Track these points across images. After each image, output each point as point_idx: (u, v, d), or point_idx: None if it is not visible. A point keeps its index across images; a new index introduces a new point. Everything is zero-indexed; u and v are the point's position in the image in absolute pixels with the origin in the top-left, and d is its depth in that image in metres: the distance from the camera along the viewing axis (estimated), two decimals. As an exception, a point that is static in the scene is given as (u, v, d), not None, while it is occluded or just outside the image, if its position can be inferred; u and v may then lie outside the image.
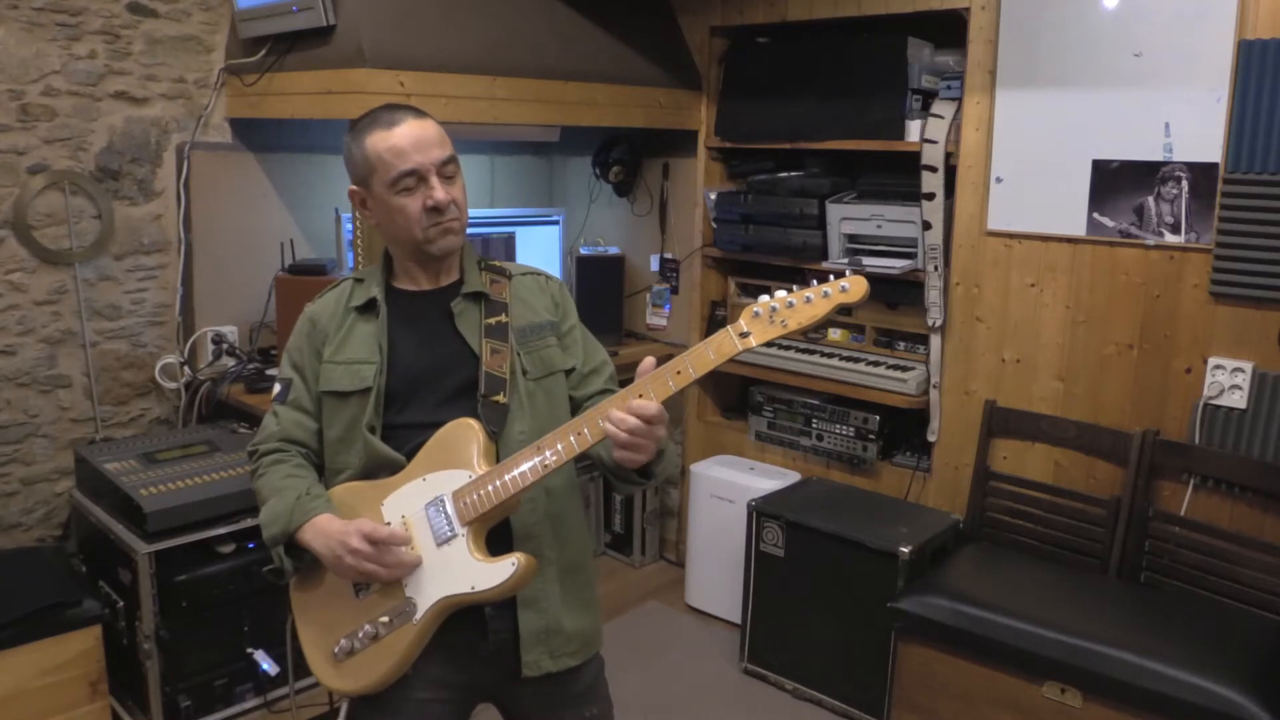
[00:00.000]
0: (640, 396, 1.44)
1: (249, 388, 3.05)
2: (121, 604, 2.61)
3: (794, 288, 1.42)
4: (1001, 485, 2.99)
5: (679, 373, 1.43)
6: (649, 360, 1.47)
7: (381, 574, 1.53)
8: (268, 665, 2.71)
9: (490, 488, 1.52)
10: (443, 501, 1.55)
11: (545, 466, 1.50)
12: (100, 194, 2.98)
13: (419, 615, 1.54)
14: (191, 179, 3.12)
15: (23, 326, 2.89)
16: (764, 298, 1.42)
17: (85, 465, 2.83)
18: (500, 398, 1.60)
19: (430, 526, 1.56)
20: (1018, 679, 2.44)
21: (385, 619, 1.56)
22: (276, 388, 1.74)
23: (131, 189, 3.05)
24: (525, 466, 1.51)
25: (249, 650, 2.71)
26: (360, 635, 1.58)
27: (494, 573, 1.51)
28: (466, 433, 1.57)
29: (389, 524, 1.57)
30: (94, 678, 2.53)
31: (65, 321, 2.96)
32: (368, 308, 1.68)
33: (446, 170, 1.60)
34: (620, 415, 1.43)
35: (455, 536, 1.54)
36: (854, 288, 1.38)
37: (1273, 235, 2.46)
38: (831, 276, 1.40)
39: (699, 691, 3.08)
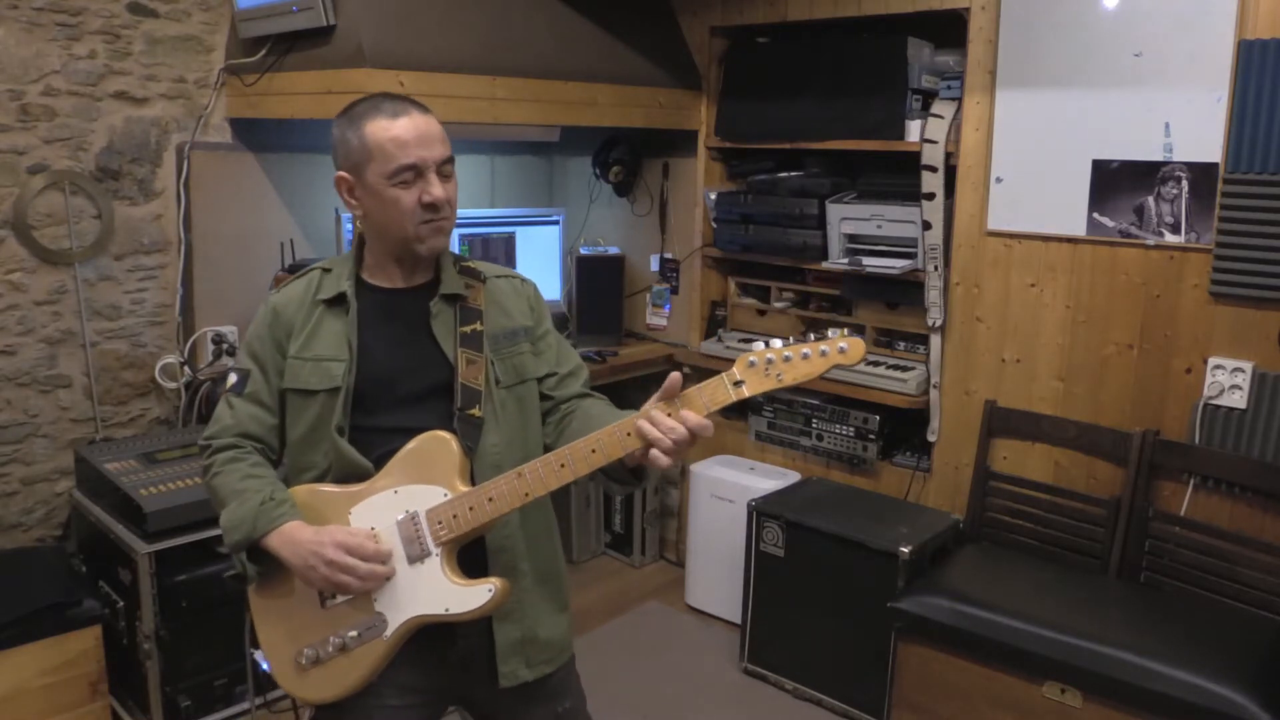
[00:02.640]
0: (629, 435, 1.44)
1: (249, 388, 3.04)
2: (121, 604, 2.61)
3: (791, 339, 1.43)
4: (1001, 485, 2.99)
5: (670, 415, 1.43)
6: (676, 376, 1.44)
7: (355, 586, 1.50)
8: (268, 665, 2.71)
9: (467, 509, 1.49)
10: (416, 518, 1.52)
11: (525, 496, 1.48)
12: (100, 194, 2.98)
13: (389, 632, 1.53)
14: (191, 179, 3.12)
15: (23, 326, 2.89)
16: (759, 346, 1.42)
17: (85, 465, 2.83)
18: (476, 411, 1.57)
19: (401, 542, 1.53)
20: (1018, 679, 2.44)
21: (354, 633, 1.54)
22: (232, 378, 1.67)
23: (131, 189, 3.05)
24: (507, 496, 1.48)
25: (249, 650, 2.71)
26: (329, 646, 1.56)
27: (469, 597, 1.50)
28: (442, 447, 1.53)
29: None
30: (94, 678, 2.53)
31: (65, 321, 2.96)
32: (336, 302, 1.62)
33: (445, 169, 1.57)
34: (670, 424, 1.41)
35: (429, 555, 1.52)
36: (852, 351, 1.41)
37: (1273, 235, 2.46)
38: (830, 333, 1.42)
39: (699, 691, 3.07)
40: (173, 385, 3.19)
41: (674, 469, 1.50)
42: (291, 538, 1.52)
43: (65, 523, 3.02)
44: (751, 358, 1.42)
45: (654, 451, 1.42)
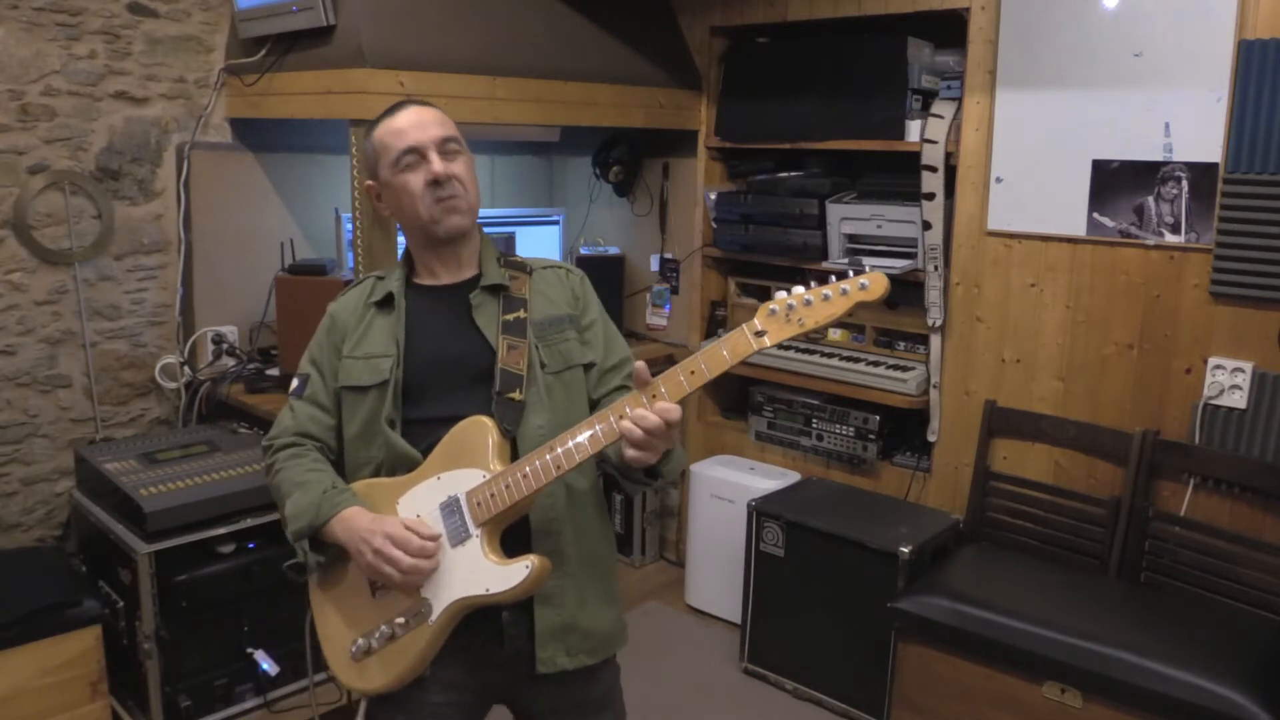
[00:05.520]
0: (655, 397, 1.42)
1: (249, 388, 3.05)
2: (121, 604, 2.61)
3: (813, 283, 1.38)
4: (1001, 485, 2.99)
5: (693, 372, 1.41)
6: (642, 365, 1.45)
7: (397, 579, 1.52)
8: (268, 665, 2.71)
9: (504, 487, 1.50)
10: (457, 501, 1.54)
11: (559, 467, 1.48)
12: (100, 194, 2.98)
13: (434, 617, 1.54)
14: (191, 179, 3.12)
15: (23, 326, 2.89)
16: (781, 294, 1.39)
17: (85, 465, 2.83)
18: (516, 394, 1.59)
19: (445, 527, 1.55)
20: (1018, 679, 2.44)
21: (401, 620, 1.56)
22: (294, 383, 1.74)
23: (131, 189, 3.05)
24: (539, 467, 1.49)
25: (249, 650, 2.71)
26: (377, 635, 1.58)
27: (508, 575, 1.50)
28: (480, 430, 1.56)
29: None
30: (94, 678, 2.53)
31: (65, 321, 2.97)
32: (386, 302, 1.69)
33: (446, 147, 1.64)
34: (642, 413, 1.40)
35: (470, 538, 1.53)
36: (874, 285, 1.34)
37: (1273, 235, 2.46)
38: (851, 273, 1.36)
39: (699, 691, 3.07)
40: (173, 385, 3.19)
41: (648, 459, 1.45)
42: (350, 524, 1.56)
43: (65, 523, 3.02)
44: (772, 305, 1.38)
45: (626, 446, 1.42)
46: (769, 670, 3.12)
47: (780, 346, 3.75)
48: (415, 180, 1.62)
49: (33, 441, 2.95)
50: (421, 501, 1.57)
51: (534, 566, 1.49)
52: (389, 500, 1.60)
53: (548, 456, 1.48)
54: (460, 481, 1.55)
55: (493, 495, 1.51)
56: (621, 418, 1.43)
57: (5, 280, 2.84)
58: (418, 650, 1.55)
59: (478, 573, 1.52)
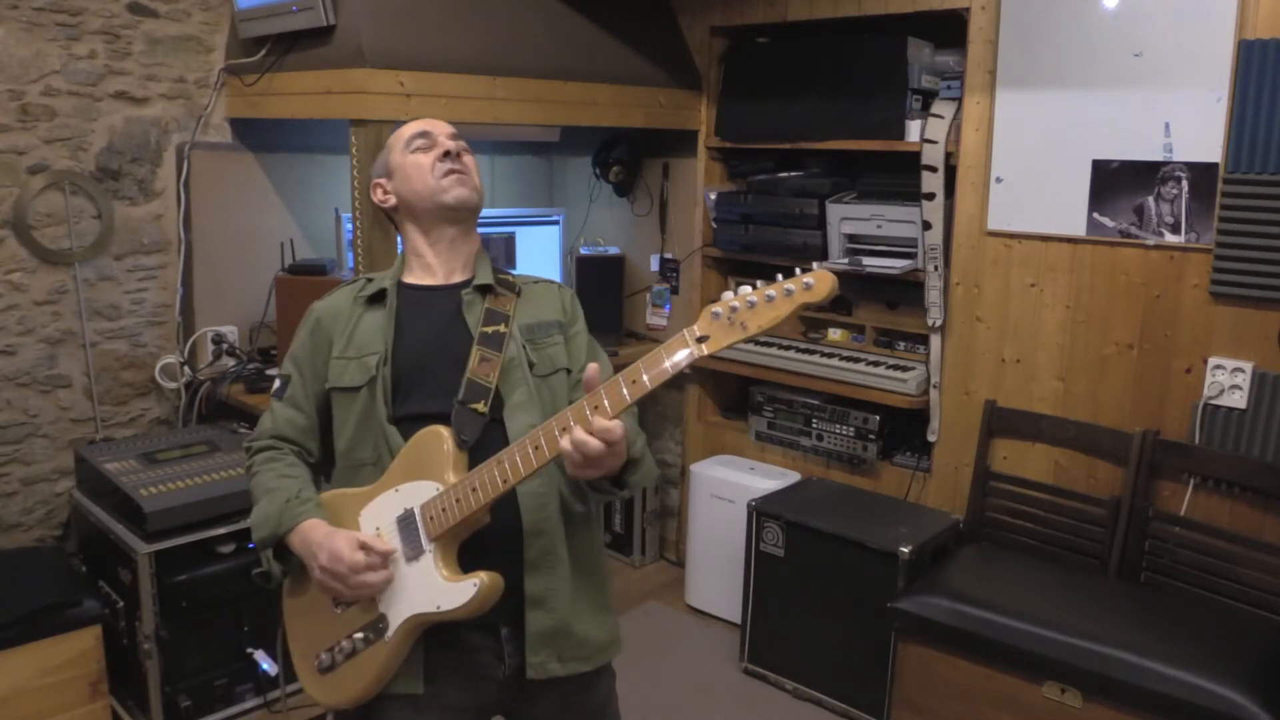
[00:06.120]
0: (597, 409, 1.37)
1: (249, 388, 3.05)
2: (121, 604, 2.61)
3: (759, 283, 1.31)
4: (1001, 485, 2.99)
5: (634, 383, 1.35)
6: (594, 367, 1.43)
7: (346, 594, 1.53)
8: (268, 665, 2.71)
9: (454, 501, 1.48)
10: (412, 515, 1.52)
11: (505, 481, 1.45)
12: (100, 194, 2.98)
13: (390, 633, 1.52)
14: (191, 179, 3.13)
15: (23, 326, 2.89)
16: (727, 295, 1.32)
17: (85, 465, 2.83)
18: (480, 406, 1.57)
19: (401, 541, 1.53)
20: (1018, 679, 2.44)
21: (360, 635, 1.55)
22: (276, 383, 1.74)
23: (131, 189, 3.05)
24: (485, 480, 1.46)
25: (249, 650, 2.71)
26: (338, 650, 1.57)
27: (458, 593, 1.48)
28: (436, 441, 1.53)
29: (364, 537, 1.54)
30: (94, 678, 2.53)
31: (65, 321, 2.97)
32: (376, 299, 1.69)
33: (456, 140, 1.72)
34: (583, 438, 1.37)
35: (424, 553, 1.51)
36: (819, 284, 1.26)
37: (1273, 235, 2.46)
38: (798, 271, 1.28)
39: (699, 691, 3.07)
40: (172, 385, 3.19)
41: (591, 475, 1.44)
42: (306, 537, 1.55)
43: (65, 523, 3.02)
44: (715, 308, 1.32)
45: (567, 464, 1.41)
46: (769, 670, 3.12)
47: (780, 345, 3.74)
48: (425, 158, 1.68)
49: (33, 441, 2.95)
50: (381, 514, 1.55)
51: (483, 583, 1.47)
52: (352, 511, 1.58)
53: (495, 470, 1.46)
54: (416, 494, 1.52)
55: (444, 510, 1.49)
56: (564, 430, 1.39)
57: (5, 280, 2.84)
58: (376, 666, 1.54)
59: (430, 589, 1.50)
